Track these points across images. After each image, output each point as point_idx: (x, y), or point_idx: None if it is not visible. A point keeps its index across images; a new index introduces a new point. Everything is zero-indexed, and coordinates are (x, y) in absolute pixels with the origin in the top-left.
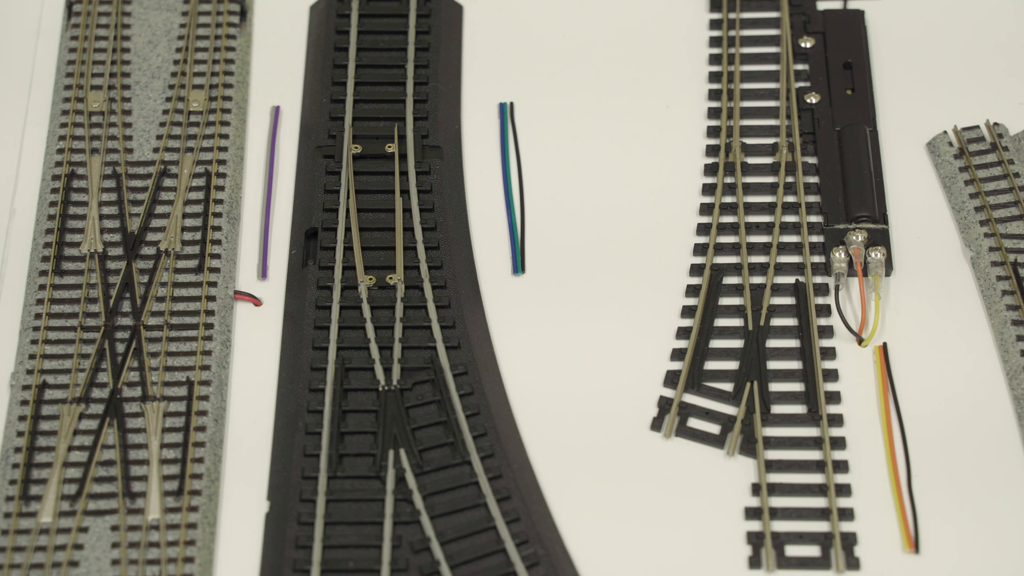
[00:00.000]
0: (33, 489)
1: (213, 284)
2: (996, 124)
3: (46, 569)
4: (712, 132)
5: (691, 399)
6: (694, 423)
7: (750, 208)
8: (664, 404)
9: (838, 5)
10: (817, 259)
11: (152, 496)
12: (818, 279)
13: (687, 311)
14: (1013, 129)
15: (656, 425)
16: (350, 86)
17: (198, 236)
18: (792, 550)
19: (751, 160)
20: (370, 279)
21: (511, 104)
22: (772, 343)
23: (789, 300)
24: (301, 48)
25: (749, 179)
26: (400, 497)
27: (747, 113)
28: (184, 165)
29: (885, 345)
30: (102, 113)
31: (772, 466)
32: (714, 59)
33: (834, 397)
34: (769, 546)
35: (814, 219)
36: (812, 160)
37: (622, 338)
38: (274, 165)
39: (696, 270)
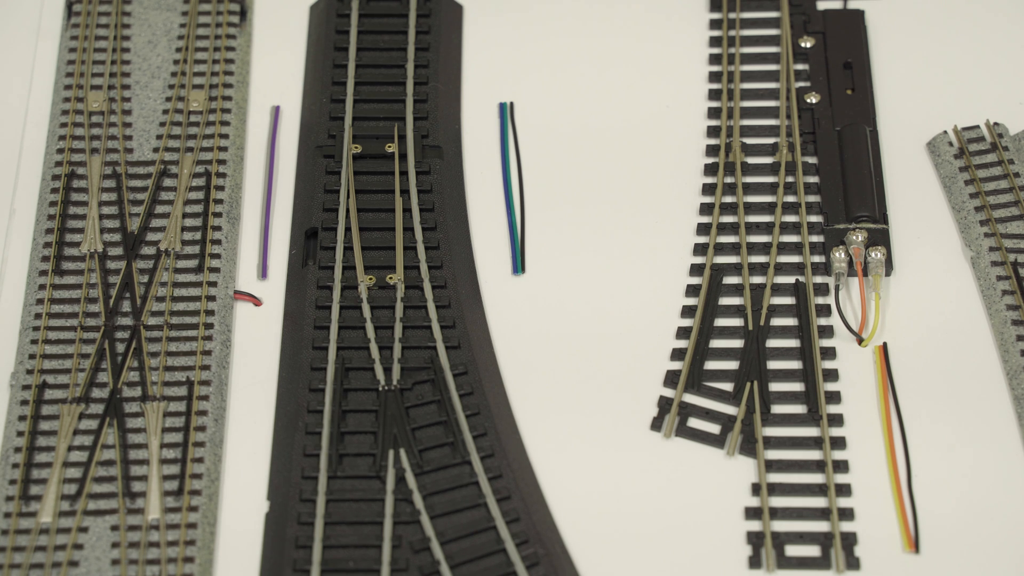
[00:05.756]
0: (33, 489)
1: (213, 284)
2: (996, 124)
3: (46, 569)
4: (712, 132)
5: (691, 399)
6: (694, 423)
7: (750, 208)
8: (664, 404)
9: (838, 5)
10: (817, 259)
11: (152, 496)
12: (818, 279)
13: (687, 311)
14: (1013, 129)
15: (656, 425)
16: (350, 86)
17: (198, 236)
18: (792, 550)
19: (751, 160)
20: (370, 279)
21: (511, 104)
22: (772, 343)
23: (789, 300)
24: (301, 48)
25: (749, 179)
26: (400, 497)
27: (747, 113)
28: (184, 165)
29: (885, 345)
30: (102, 113)
31: (772, 466)
32: (714, 59)
33: (834, 397)
34: (769, 546)
35: (814, 219)
36: (812, 160)
37: (622, 338)
38: (274, 165)
39: (696, 270)
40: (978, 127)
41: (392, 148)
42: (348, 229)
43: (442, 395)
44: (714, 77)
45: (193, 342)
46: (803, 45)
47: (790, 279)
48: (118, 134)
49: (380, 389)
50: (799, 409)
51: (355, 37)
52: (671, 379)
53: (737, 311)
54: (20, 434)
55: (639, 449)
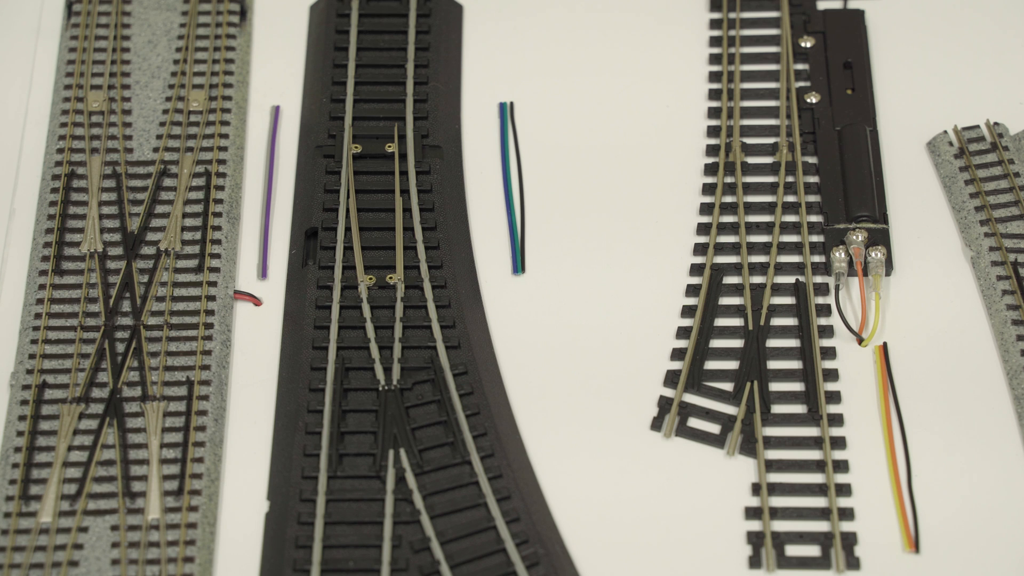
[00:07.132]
0: (33, 489)
1: (213, 284)
2: (996, 124)
3: (46, 569)
4: (712, 132)
5: (691, 399)
6: (694, 423)
7: (750, 208)
8: (664, 404)
9: (838, 5)
10: (817, 259)
11: (152, 496)
12: (818, 279)
13: (687, 311)
14: (1013, 129)
15: (656, 425)
16: (350, 86)
17: (198, 236)
18: (792, 550)
19: (751, 160)
20: (370, 279)
21: (511, 104)
22: (772, 343)
23: (789, 300)
24: (301, 48)
25: (749, 179)
26: (400, 497)
27: (747, 113)
28: (184, 165)
29: (885, 345)
30: (102, 113)
31: (772, 466)
32: (714, 59)
33: (834, 397)
34: (769, 546)
35: (814, 219)
36: (812, 160)
37: (622, 338)
38: (274, 165)
39: (696, 270)
40: (978, 127)
41: (392, 148)
42: (348, 229)
43: (442, 395)
44: (714, 77)
45: (193, 342)
46: (803, 45)
47: (790, 279)
48: (118, 134)
49: (380, 389)
50: (799, 409)
51: (355, 37)
52: (671, 379)
53: (737, 311)
54: (20, 434)
55: (639, 449)
